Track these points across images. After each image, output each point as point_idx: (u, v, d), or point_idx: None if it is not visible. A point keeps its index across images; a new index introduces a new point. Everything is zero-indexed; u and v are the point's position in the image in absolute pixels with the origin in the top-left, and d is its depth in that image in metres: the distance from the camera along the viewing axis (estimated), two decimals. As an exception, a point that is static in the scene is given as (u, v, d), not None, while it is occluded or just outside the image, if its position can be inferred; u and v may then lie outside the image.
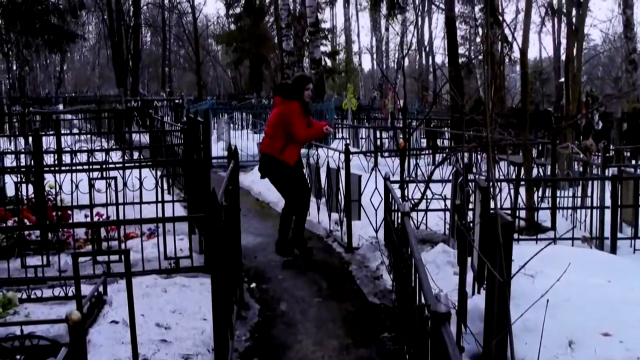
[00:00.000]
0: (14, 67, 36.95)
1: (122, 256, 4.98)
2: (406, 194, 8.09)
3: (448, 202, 7.53)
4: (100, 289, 5.51)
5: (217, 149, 16.76)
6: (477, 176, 8.24)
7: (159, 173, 8.20)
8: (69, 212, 8.16)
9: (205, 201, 5.96)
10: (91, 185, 7.44)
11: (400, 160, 8.41)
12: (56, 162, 10.68)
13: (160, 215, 7.59)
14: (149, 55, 56.79)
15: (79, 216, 8.21)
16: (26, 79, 39.13)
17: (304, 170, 8.24)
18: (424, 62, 50.49)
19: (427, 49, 49.13)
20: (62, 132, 15.42)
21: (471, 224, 5.07)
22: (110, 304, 5.41)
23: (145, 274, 6.29)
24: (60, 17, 32.26)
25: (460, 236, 4.66)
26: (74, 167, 8.48)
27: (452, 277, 5.98)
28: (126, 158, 10.97)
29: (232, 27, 47.24)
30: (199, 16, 51.65)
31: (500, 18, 17.83)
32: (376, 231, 7.94)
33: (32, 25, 29.54)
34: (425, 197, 7.89)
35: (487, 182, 4.16)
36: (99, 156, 10.20)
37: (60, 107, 29.77)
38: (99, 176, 7.67)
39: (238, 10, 44.60)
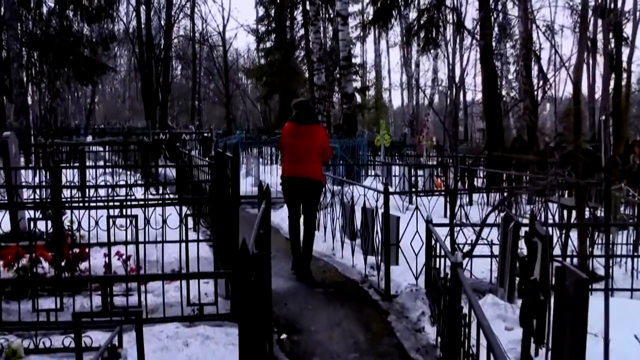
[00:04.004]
0: (46, 99, 37.24)
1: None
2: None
3: (494, 248, 6.93)
4: (115, 340, 4.99)
5: (246, 184, 16.30)
6: (521, 219, 7.64)
7: (184, 210, 7.74)
8: (87, 249, 7.69)
9: (232, 247, 5.61)
10: (110, 223, 6.95)
11: (450, 204, 7.79)
12: (79, 196, 10.29)
13: (184, 255, 7.06)
14: (178, 88, 57.02)
15: (97, 254, 7.75)
16: (57, 110, 39.41)
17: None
18: (454, 98, 50.07)
19: (459, 85, 48.73)
20: (88, 164, 15.12)
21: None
22: (126, 359, 4.88)
23: (166, 321, 5.79)
24: (91, 49, 32.48)
25: (526, 295, 4.06)
26: (92, 204, 8.09)
27: (504, 333, 5.42)
28: (152, 193, 10.55)
29: (263, 61, 47.33)
30: (229, 50, 51.76)
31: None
32: (416, 278, 7.34)
33: (64, 57, 29.66)
34: (469, 241, 7.31)
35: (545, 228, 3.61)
36: (122, 191, 9.80)
37: (89, 138, 29.75)
38: (120, 214, 7.20)
39: (269, 44, 44.79)
